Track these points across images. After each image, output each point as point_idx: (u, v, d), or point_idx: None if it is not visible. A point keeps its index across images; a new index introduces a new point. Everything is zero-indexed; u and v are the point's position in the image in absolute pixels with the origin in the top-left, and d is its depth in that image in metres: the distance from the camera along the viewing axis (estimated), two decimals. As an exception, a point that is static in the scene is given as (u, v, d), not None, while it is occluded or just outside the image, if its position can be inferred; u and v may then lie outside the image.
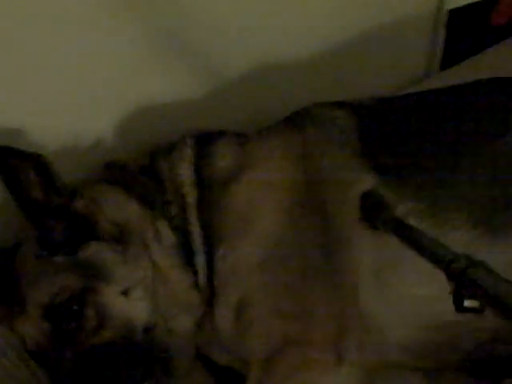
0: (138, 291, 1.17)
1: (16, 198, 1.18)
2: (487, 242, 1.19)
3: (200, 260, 1.23)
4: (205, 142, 1.32)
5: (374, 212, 1.10)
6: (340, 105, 1.36)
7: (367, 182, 1.22)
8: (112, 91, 1.37)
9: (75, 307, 1.12)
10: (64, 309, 1.12)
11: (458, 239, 1.19)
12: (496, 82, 1.40)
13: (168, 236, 1.24)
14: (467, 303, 0.82)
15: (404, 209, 1.19)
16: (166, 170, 1.30)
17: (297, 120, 1.34)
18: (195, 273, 1.23)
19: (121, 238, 1.19)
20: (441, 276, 1.15)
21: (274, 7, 1.51)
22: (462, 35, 1.82)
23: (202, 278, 1.22)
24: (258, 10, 1.49)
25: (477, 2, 1.79)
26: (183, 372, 1.23)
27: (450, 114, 1.32)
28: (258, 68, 1.56)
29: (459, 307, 0.84)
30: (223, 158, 1.29)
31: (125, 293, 1.16)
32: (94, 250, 1.16)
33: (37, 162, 1.16)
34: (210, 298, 1.22)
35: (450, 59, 1.84)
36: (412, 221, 1.18)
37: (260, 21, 1.51)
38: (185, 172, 1.28)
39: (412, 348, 1.21)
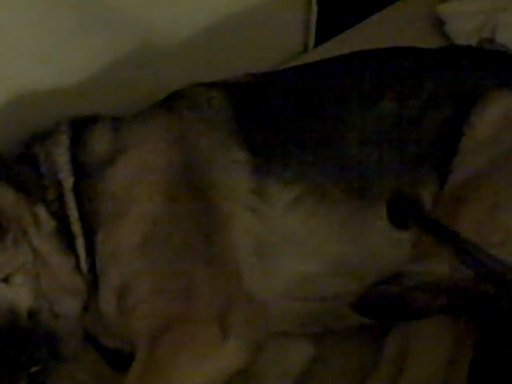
0: (19, 277, 1.17)
1: None
2: (363, 214, 1.25)
3: (80, 244, 1.23)
4: (80, 127, 1.32)
5: (407, 214, 1.04)
6: (215, 85, 1.37)
7: (244, 161, 1.25)
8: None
9: None
10: None
11: (336, 213, 1.24)
12: (367, 54, 1.45)
13: (47, 221, 1.23)
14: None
15: (281, 188, 1.24)
16: (42, 156, 1.29)
17: (172, 102, 1.35)
18: (77, 257, 1.23)
19: None
20: (315, 252, 1.23)
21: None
22: (335, 10, 1.87)
23: (83, 263, 1.23)
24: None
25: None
26: (71, 355, 1.24)
27: (324, 86, 1.36)
28: (135, 50, 1.56)
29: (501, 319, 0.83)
30: (98, 142, 1.29)
31: (5, 279, 1.16)
32: None
33: None
34: (93, 282, 1.22)
35: (324, 34, 1.88)
36: (294, 194, 1.24)
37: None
38: (60, 158, 1.27)
39: (297, 319, 1.27)
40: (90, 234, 1.23)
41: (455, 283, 0.93)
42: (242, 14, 1.70)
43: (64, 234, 1.23)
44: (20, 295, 1.17)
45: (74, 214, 1.24)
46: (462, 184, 1.23)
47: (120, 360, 1.23)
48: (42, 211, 1.23)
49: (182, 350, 1.12)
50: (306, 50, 1.89)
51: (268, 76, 1.44)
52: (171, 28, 1.60)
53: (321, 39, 1.88)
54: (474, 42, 1.88)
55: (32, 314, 1.18)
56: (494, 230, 1.14)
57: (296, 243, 1.23)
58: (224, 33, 1.68)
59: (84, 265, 1.23)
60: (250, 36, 1.75)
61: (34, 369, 1.15)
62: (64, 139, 1.30)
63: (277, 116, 1.31)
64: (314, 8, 1.83)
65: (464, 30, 1.92)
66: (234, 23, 1.69)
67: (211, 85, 1.38)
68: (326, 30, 1.87)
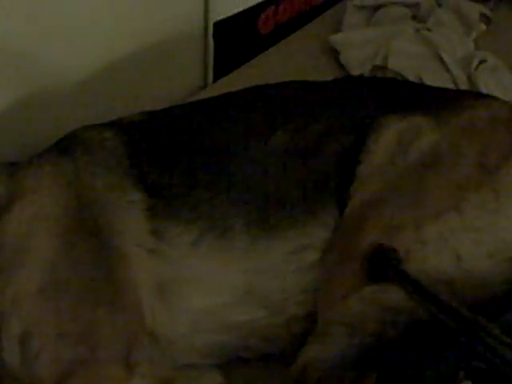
0: None
1: None
2: (265, 243, 1.27)
3: None
4: None
5: (383, 268, 1.04)
6: (108, 125, 1.37)
7: (140, 202, 1.25)
8: None
9: None
10: None
11: (238, 245, 1.25)
12: (261, 88, 1.48)
13: None
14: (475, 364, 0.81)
15: (181, 229, 1.24)
16: None
17: (66, 145, 1.34)
18: None
19: None
20: (221, 286, 1.24)
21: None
22: (232, 45, 1.91)
23: None
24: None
25: (242, 12, 1.88)
26: None
27: (218, 122, 1.37)
28: (32, 92, 1.55)
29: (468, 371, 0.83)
30: None
31: None
32: None
33: None
34: None
35: (223, 69, 1.91)
36: (194, 235, 1.24)
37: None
38: None
39: (203, 351, 1.27)
40: None
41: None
42: (142, 52, 1.72)
43: None
44: None
45: None
46: (359, 208, 1.26)
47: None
48: None
49: None
50: (205, 85, 1.92)
51: (161, 113, 1.44)
52: (68, 67, 1.61)
53: (219, 74, 1.91)
54: (367, 69, 1.96)
55: None
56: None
57: (200, 279, 1.23)
58: (124, 71, 1.70)
59: None
60: (150, 73, 1.77)
61: None
62: None
63: (171, 154, 1.31)
64: (211, 43, 1.86)
65: (358, 58, 2.00)
66: (133, 61, 1.71)
67: (104, 125, 1.38)
68: (224, 65, 1.90)
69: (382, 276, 1.00)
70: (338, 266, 1.22)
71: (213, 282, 1.25)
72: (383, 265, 1.01)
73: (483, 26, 2.19)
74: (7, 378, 1.21)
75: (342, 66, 2.01)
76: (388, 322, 1.10)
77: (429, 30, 2.09)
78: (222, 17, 1.85)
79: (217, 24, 1.84)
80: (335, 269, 1.23)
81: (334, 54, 2.02)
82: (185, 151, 1.32)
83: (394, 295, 1.11)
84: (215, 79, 1.92)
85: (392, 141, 1.31)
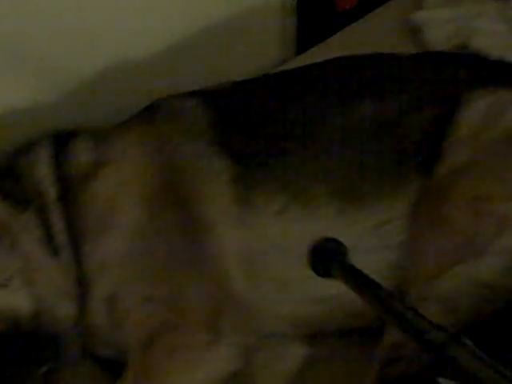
0: (17, 281, 1.17)
1: None
2: (350, 214, 1.25)
3: (66, 256, 1.23)
4: (62, 140, 1.32)
5: (328, 260, 0.93)
6: (192, 94, 1.37)
7: (225, 170, 1.25)
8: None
9: None
10: None
11: (323, 215, 1.24)
12: (346, 59, 1.47)
13: (35, 229, 1.24)
14: (441, 381, 0.77)
15: (266, 198, 1.23)
16: (26, 169, 1.29)
17: (149, 114, 1.35)
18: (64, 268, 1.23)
19: None
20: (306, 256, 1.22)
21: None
22: (312, 21, 1.88)
23: (71, 274, 1.22)
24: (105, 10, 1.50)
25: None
26: (73, 359, 1.23)
27: (303, 90, 1.37)
28: (115, 65, 1.57)
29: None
30: (80, 155, 1.29)
31: (4, 285, 1.16)
32: None
33: None
34: (82, 293, 1.22)
35: (303, 46, 1.89)
36: (280, 204, 1.23)
37: (109, 19, 1.52)
38: (43, 171, 1.28)
39: (287, 321, 1.27)
40: (76, 245, 1.23)
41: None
42: (222, 22, 1.71)
43: (52, 243, 1.23)
44: (20, 299, 1.16)
45: (58, 224, 1.24)
46: (445, 178, 1.23)
47: (116, 370, 1.22)
48: (30, 219, 1.23)
49: (173, 357, 1.12)
50: (285, 60, 1.90)
51: (246, 83, 1.45)
52: (150, 38, 1.61)
53: (300, 49, 1.89)
54: (448, 47, 1.91)
55: (34, 317, 1.17)
56: (485, 222, 1.15)
57: (285, 249, 1.23)
58: (204, 42, 1.69)
59: (72, 277, 1.22)
60: (231, 45, 1.76)
61: (42, 369, 1.14)
62: (46, 152, 1.30)
63: (256, 122, 1.31)
64: (294, 17, 1.84)
65: (438, 36, 1.95)
66: (213, 32, 1.70)
67: (188, 94, 1.38)
68: (306, 40, 1.88)
69: (325, 268, 0.90)
70: (427, 240, 1.19)
71: (298, 253, 1.23)
72: (327, 258, 0.91)
73: None
74: (94, 340, 1.23)
75: (421, 45, 1.96)
76: (484, 299, 1.08)
77: (512, 9, 2.02)
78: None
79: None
80: (424, 243, 1.20)
81: (414, 31, 1.97)
82: (271, 119, 1.31)
83: (489, 270, 1.08)
84: (297, 54, 1.90)
85: (479, 115, 1.28)
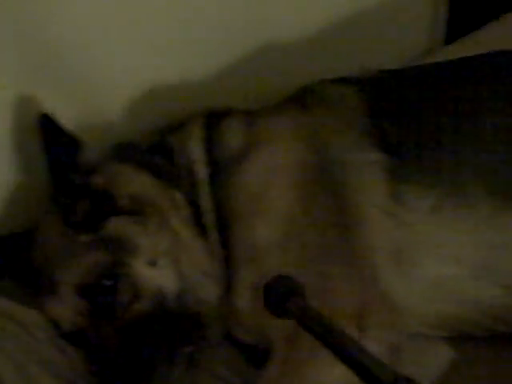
0: (165, 260, 1.18)
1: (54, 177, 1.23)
2: (504, 214, 1.19)
3: (213, 237, 1.23)
4: (214, 120, 1.33)
5: (285, 299, 0.86)
6: (346, 81, 1.35)
7: (379, 162, 1.21)
8: (124, 75, 1.38)
9: (108, 283, 1.13)
10: (98, 285, 1.13)
11: (479, 215, 1.19)
12: (504, 53, 1.38)
13: (184, 207, 1.25)
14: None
15: (420, 194, 1.19)
16: (177, 147, 1.31)
17: (303, 99, 1.33)
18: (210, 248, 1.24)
19: (139, 210, 1.20)
20: (457, 256, 1.18)
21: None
22: (466, 8, 1.81)
23: (216, 256, 1.23)
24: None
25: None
26: (216, 341, 1.23)
27: (459, 84, 1.31)
28: (261, 45, 1.55)
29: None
30: (232, 136, 1.29)
31: (152, 263, 1.17)
32: (116, 225, 1.18)
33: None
34: (227, 276, 1.22)
35: (453, 33, 1.82)
36: (433, 201, 1.19)
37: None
38: (195, 150, 1.29)
39: (435, 321, 1.23)
40: (223, 227, 1.22)
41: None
42: (372, 9, 1.67)
43: (199, 222, 1.24)
44: (167, 278, 1.17)
45: (207, 204, 1.25)
46: None
47: (255, 355, 1.21)
48: (179, 198, 1.25)
49: (319, 350, 1.09)
50: (432, 49, 1.84)
51: (401, 73, 1.40)
52: (298, 24, 1.59)
53: (450, 38, 1.82)
54: None
55: (179, 296, 1.18)
56: None
57: (436, 247, 1.19)
58: (354, 27, 1.66)
59: (217, 258, 1.22)
60: (381, 31, 1.71)
61: (186, 349, 1.15)
62: (199, 132, 1.31)
63: (414, 114, 1.27)
64: (444, 5, 1.78)
65: None
66: (361, 19, 1.67)
67: (342, 80, 1.36)
68: (455, 29, 1.81)
69: (281, 307, 0.84)
70: None
71: (449, 252, 1.19)
72: (283, 295, 0.85)
73: None
74: (236, 325, 1.23)
75: None
76: None
77: None
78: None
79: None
80: None
81: None
82: (430, 112, 1.27)
83: None
84: (446, 43, 1.83)
85: None
